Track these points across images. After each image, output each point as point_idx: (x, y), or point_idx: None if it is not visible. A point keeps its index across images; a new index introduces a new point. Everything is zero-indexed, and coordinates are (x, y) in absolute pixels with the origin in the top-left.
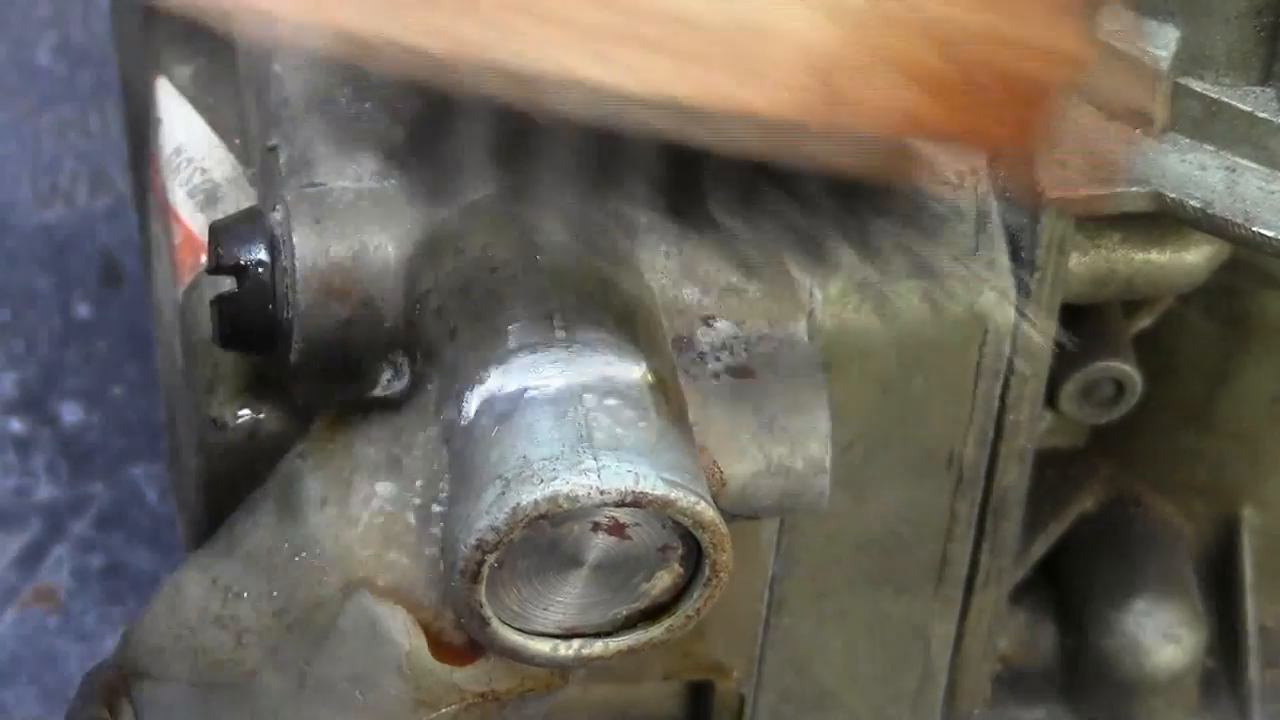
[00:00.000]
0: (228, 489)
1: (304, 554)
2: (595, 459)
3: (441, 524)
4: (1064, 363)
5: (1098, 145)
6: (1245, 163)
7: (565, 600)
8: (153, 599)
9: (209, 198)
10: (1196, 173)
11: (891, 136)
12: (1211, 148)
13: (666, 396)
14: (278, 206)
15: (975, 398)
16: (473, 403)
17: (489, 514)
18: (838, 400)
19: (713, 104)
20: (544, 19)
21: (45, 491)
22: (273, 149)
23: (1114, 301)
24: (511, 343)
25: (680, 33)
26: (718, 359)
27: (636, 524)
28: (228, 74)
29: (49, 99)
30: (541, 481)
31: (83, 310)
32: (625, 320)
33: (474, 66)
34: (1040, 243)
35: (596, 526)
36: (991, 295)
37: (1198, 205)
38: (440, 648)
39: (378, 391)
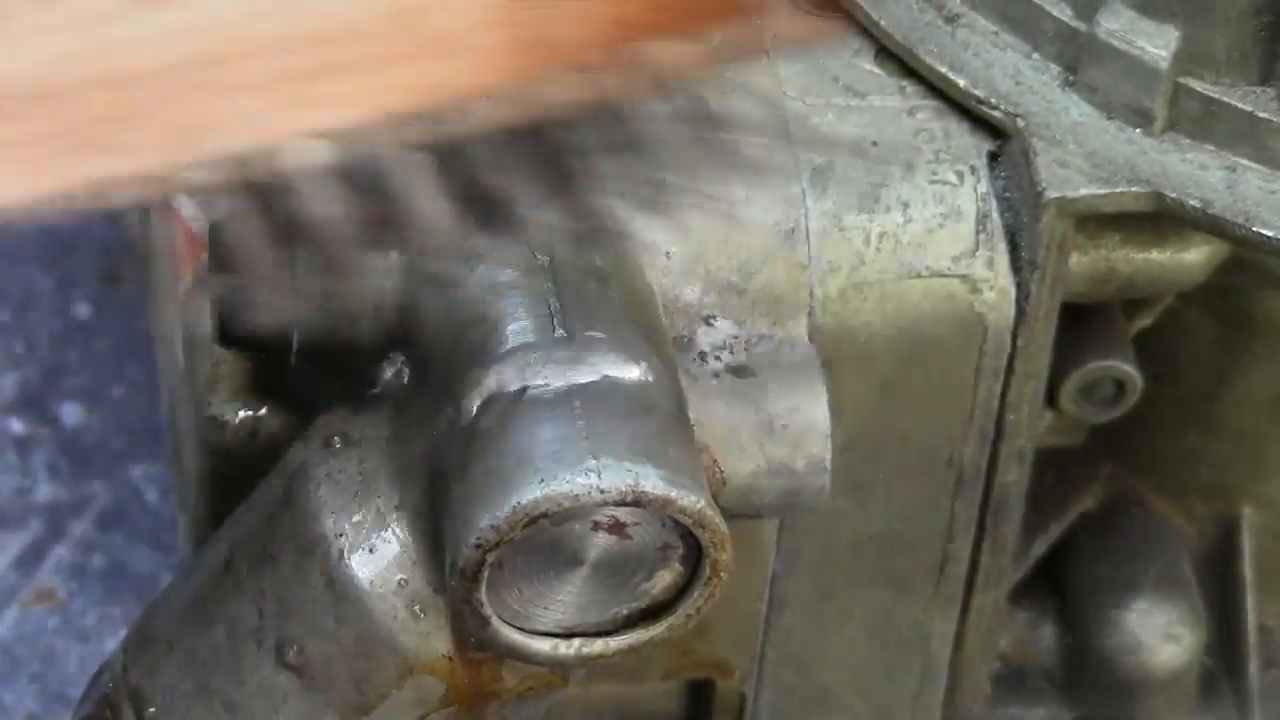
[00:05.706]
0: (228, 488)
1: (306, 557)
2: (595, 458)
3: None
4: (1064, 362)
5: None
6: (1245, 162)
7: (566, 599)
8: (153, 599)
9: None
10: (1196, 172)
11: (605, 51)
12: (1212, 147)
13: (667, 396)
14: None
15: (975, 398)
16: (473, 402)
17: (489, 513)
18: (838, 400)
19: (431, 100)
20: (233, 90)
21: (45, 492)
22: None
23: (1114, 301)
24: (511, 342)
25: (364, 44)
26: (718, 358)
27: (637, 523)
28: None
29: None
30: (542, 481)
31: (83, 310)
32: (625, 319)
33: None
34: (1040, 243)
35: (597, 525)
36: (991, 295)
37: (1198, 205)
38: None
39: (378, 390)
